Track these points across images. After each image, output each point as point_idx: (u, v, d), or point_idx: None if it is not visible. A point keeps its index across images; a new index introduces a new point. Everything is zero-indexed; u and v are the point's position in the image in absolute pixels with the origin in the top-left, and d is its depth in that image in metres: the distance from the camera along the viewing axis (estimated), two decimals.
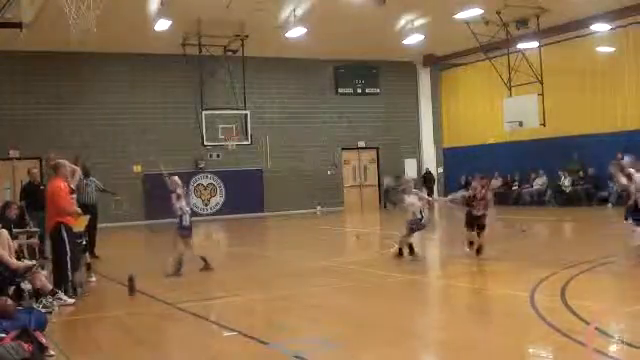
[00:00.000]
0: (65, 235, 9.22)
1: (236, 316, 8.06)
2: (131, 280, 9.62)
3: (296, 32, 22.76)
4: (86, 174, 13.96)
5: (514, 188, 25.92)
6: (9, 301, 6.93)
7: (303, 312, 8.28)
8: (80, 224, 10.02)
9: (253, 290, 9.90)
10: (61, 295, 8.87)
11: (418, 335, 6.99)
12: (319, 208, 27.56)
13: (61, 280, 9.25)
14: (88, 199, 13.58)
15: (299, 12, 21.81)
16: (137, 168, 25.06)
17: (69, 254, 9.18)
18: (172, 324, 7.88)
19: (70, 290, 9.18)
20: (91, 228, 12.56)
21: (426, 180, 29.69)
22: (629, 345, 6.01)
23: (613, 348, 5.95)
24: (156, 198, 24.74)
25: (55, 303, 8.61)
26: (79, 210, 9.76)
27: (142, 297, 9.35)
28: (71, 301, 8.93)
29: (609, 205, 21.87)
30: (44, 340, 6.26)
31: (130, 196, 24.74)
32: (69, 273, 9.20)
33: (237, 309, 8.55)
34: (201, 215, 25.84)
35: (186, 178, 25.62)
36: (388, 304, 8.45)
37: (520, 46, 23.93)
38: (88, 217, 10.85)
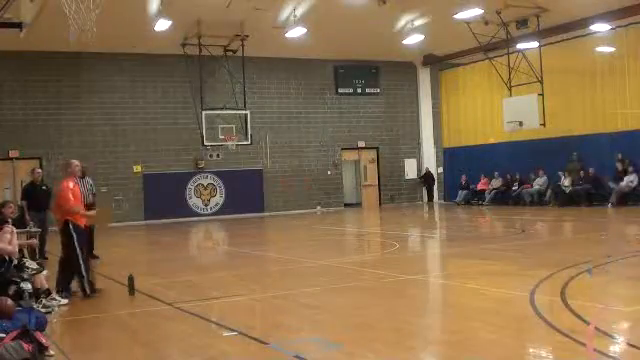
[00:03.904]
0: (73, 232, 9.23)
1: (236, 316, 8.05)
2: (131, 280, 9.61)
3: (296, 32, 22.78)
4: (82, 174, 13.96)
5: (514, 188, 25.91)
6: (9, 301, 6.91)
7: (303, 312, 8.28)
8: (101, 219, 9.89)
9: (253, 290, 9.90)
10: (55, 295, 8.88)
11: (418, 335, 6.99)
12: (319, 208, 27.57)
13: (64, 279, 9.29)
14: (85, 199, 13.58)
15: (299, 12, 21.84)
16: (137, 168, 25.08)
17: (78, 250, 9.19)
18: (172, 324, 7.87)
19: (87, 288, 9.17)
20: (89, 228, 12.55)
21: (426, 180, 29.78)
22: (629, 345, 6.01)
23: (613, 348, 5.95)
24: (156, 198, 24.93)
25: (54, 303, 8.61)
26: (82, 210, 9.65)
27: (142, 297, 9.34)
28: (65, 301, 8.93)
29: (609, 205, 21.86)
30: (44, 340, 6.25)
31: (130, 196, 24.81)
32: (83, 271, 9.22)
33: (237, 309, 8.53)
34: (201, 215, 25.90)
35: (186, 178, 25.82)
36: (388, 304, 8.44)
37: (520, 46, 23.94)
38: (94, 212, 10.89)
